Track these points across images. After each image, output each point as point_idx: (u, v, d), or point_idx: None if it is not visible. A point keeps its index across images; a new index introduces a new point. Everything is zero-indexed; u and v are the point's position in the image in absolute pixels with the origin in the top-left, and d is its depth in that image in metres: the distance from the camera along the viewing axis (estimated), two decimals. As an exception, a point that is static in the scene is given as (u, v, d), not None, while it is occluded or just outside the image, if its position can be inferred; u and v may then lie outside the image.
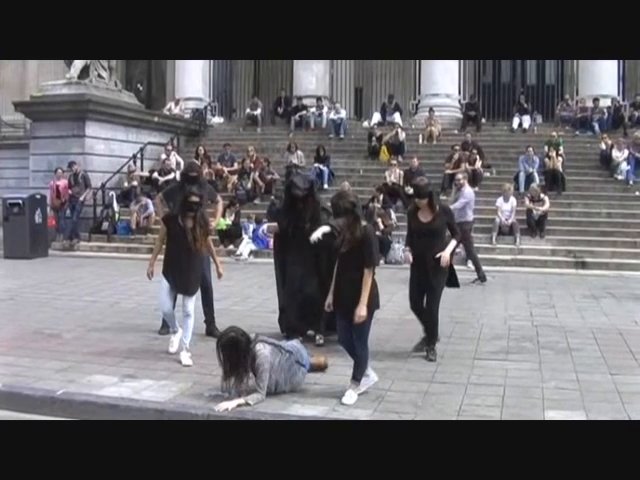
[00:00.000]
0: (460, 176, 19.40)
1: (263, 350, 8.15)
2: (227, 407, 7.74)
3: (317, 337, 10.34)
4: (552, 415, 7.57)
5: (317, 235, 9.90)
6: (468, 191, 18.35)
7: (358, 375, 8.24)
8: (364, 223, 8.23)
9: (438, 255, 9.84)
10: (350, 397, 8.05)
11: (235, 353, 7.96)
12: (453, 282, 10.44)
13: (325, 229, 9.90)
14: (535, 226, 21.86)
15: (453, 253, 10.32)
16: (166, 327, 10.90)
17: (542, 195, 22.34)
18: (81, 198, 24.31)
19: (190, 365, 9.54)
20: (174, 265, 9.93)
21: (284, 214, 10.50)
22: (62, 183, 24.33)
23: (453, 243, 10.15)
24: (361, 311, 7.88)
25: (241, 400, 7.85)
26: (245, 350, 7.99)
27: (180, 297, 10.12)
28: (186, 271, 9.95)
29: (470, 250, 18.13)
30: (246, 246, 22.09)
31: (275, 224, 10.23)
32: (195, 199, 9.73)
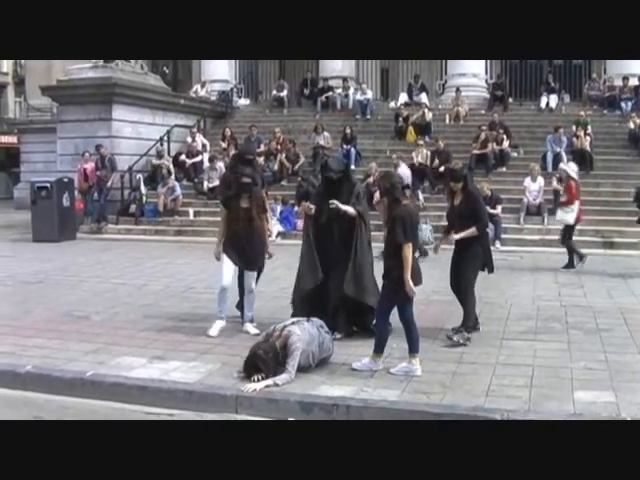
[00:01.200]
0: (394, 156, 19.69)
1: (294, 329, 8.22)
2: (255, 388, 7.77)
3: (335, 333, 9.99)
4: (581, 395, 7.55)
5: (340, 205, 9.73)
6: (402, 171, 19.14)
7: (414, 347, 8.60)
8: (405, 202, 8.63)
9: (454, 236, 10.03)
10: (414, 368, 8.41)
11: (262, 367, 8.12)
12: (489, 267, 10.35)
13: (350, 209, 9.83)
14: (562, 206, 21.72)
15: (486, 242, 10.29)
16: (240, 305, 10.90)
17: (570, 175, 22.13)
18: (108, 184, 24.35)
19: (258, 333, 9.71)
20: (235, 243, 10.18)
21: (319, 196, 10.31)
22: (89, 166, 24.37)
23: (471, 230, 9.96)
24: (407, 286, 8.32)
25: (269, 381, 7.88)
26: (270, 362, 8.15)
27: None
28: (247, 247, 10.18)
29: None
30: (274, 227, 22.08)
31: (308, 204, 10.01)
32: (246, 180, 9.88)
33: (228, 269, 10.26)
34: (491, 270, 10.38)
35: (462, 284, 10.05)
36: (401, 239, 8.25)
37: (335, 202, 9.70)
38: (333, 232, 9.94)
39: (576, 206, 16.62)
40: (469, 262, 10.03)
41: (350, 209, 9.78)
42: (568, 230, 16.81)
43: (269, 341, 8.29)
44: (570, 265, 16.34)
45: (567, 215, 16.66)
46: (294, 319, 8.75)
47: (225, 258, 10.24)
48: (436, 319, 10.73)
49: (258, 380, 7.91)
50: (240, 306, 10.70)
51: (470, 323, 9.92)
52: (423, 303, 11.88)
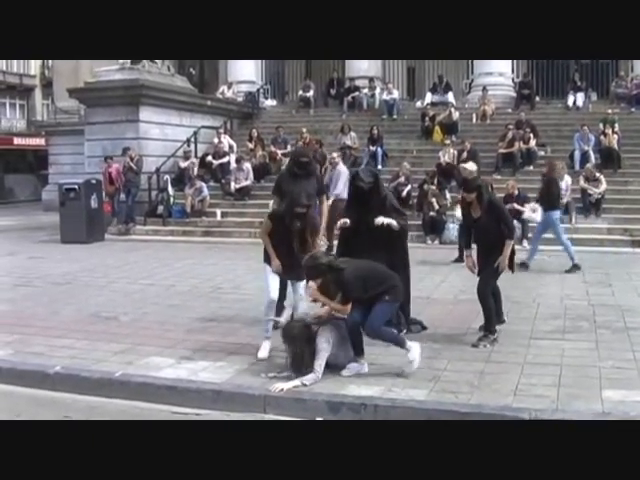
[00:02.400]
0: (335, 154, 20.60)
1: (324, 330, 8.27)
2: (282, 388, 7.80)
3: None
4: (609, 395, 7.52)
5: (383, 220, 9.66)
6: (340, 169, 19.34)
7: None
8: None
9: (497, 264, 9.71)
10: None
11: (298, 343, 8.21)
12: (511, 268, 10.17)
13: (393, 223, 9.75)
14: (590, 206, 21.62)
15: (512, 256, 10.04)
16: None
17: (598, 174, 22.02)
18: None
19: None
20: (281, 254, 9.36)
21: (349, 207, 10.22)
22: (114, 169, 24.40)
23: (509, 244, 9.68)
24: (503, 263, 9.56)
25: (297, 382, 7.92)
26: (307, 338, 8.23)
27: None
28: (295, 258, 9.25)
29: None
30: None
31: (344, 220, 9.91)
32: (301, 210, 9.09)
33: (274, 281, 9.44)
34: (512, 270, 10.26)
35: (481, 282, 9.91)
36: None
37: (382, 219, 9.69)
38: (366, 240, 9.69)
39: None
40: (492, 266, 9.78)
41: (394, 222, 9.77)
42: None
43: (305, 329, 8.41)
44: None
45: (533, 214, 17.82)
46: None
47: (268, 269, 9.45)
48: (463, 319, 10.72)
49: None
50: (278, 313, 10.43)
51: (492, 327, 9.77)
52: (451, 303, 11.92)
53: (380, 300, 8.34)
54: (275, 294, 9.42)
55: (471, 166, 16.24)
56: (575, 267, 15.77)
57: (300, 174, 10.30)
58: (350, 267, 8.40)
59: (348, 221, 9.89)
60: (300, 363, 8.21)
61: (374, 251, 9.28)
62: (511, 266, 10.15)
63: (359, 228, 9.85)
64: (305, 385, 7.88)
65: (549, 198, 16.47)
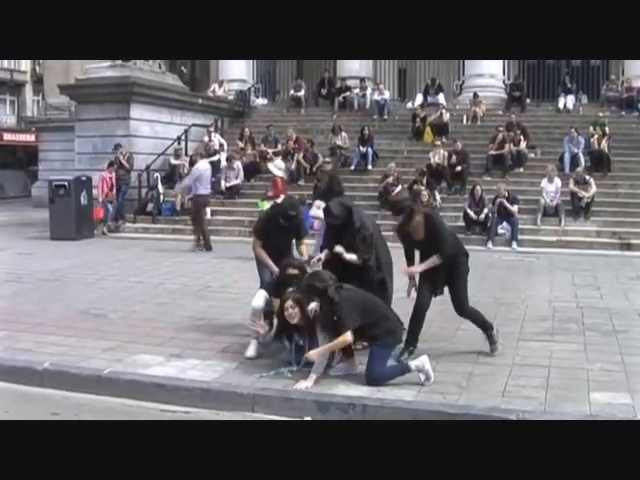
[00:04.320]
0: (193, 153, 21.43)
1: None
2: (307, 385, 7.89)
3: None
4: (597, 397, 7.55)
5: (345, 254, 9.27)
6: (198, 167, 20.05)
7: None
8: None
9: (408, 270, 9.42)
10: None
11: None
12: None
13: (353, 258, 9.27)
14: (580, 209, 21.67)
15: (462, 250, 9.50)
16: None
17: (587, 177, 22.07)
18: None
19: None
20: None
21: (326, 238, 9.99)
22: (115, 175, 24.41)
23: (434, 261, 9.09)
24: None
25: (314, 376, 7.99)
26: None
27: None
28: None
29: (200, 224, 20.11)
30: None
31: (316, 258, 9.76)
32: (293, 271, 9.08)
33: (261, 294, 9.42)
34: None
35: (458, 311, 9.42)
36: (344, 326, 8.04)
37: (339, 249, 9.36)
38: (340, 273, 9.10)
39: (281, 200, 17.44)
40: (460, 278, 9.36)
41: (354, 257, 9.29)
42: None
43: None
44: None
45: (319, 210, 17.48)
46: None
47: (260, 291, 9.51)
48: (453, 319, 10.69)
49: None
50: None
51: (488, 324, 9.52)
52: (439, 304, 11.88)
53: (372, 344, 8.23)
54: (257, 303, 9.30)
55: (278, 164, 16.78)
56: None
57: (284, 226, 10.15)
58: (348, 296, 8.24)
59: (323, 257, 9.65)
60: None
61: (345, 281, 8.80)
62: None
63: (332, 258, 9.50)
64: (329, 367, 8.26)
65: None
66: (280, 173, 18.33)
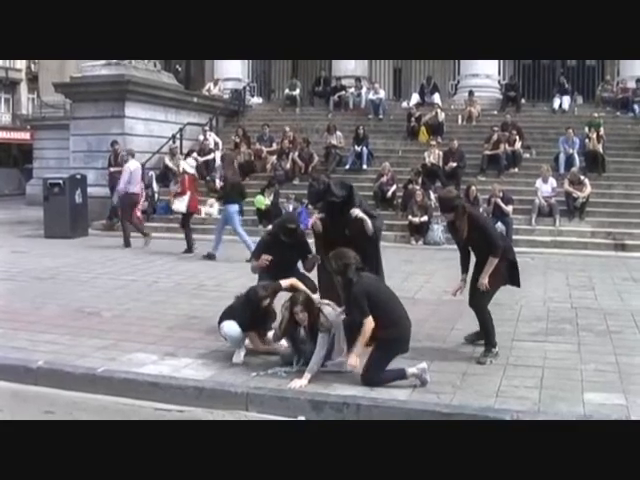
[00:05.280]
0: (124, 153, 22.14)
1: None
2: (301, 384, 7.89)
3: None
4: (591, 397, 7.56)
5: (359, 213, 9.41)
6: (128, 166, 20.55)
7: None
8: (360, 275, 8.29)
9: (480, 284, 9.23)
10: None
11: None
12: (516, 283, 9.84)
13: (368, 221, 9.40)
14: (575, 209, 21.68)
15: (511, 255, 9.66)
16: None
17: (582, 178, 22.08)
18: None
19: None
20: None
21: (324, 219, 9.97)
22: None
23: (491, 262, 9.13)
24: (351, 358, 8.09)
25: (309, 375, 8.00)
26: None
27: None
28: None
29: (125, 222, 20.71)
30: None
31: (316, 222, 9.70)
32: (266, 303, 9.02)
33: (232, 324, 9.10)
34: (517, 285, 9.89)
35: (477, 303, 9.42)
36: (359, 318, 8.02)
37: (356, 211, 9.43)
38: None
39: (187, 196, 19.17)
40: (490, 280, 9.29)
41: (368, 220, 9.42)
42: (185, 218, 19.37)
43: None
44: (188, 250, 18.70)
45: (180, 204, 19.28)
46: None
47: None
48: (447, 319, 10.75)
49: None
50: None
51: (494, 340, 9.30)
52: (435, 303, 11.93)
53: (375, 346, 8.16)
54: (235, 332, 8.99)
55: (189, 162, 20.80)
56: (210, 256, 17.49)
57: (286, 242, 10.10)
58: (365, 282, 8.24)
59: (319, 224, 9.66)
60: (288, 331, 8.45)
61: None
62: (517, 282, 9.85)
63: (334, 239, 9.36)
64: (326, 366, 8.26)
65: (224, 193, 18.48)
66: (192, 170, 19.17)
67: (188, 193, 19.28)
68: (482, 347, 9.29)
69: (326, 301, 8.70)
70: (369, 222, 9.44)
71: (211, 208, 18.75)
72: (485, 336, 9.40)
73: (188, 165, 19.64)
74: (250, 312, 8.84)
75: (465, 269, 9.60)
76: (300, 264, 10.32)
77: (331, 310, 8.36)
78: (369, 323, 7.94)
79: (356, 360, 7.98)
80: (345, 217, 9.52)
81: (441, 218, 18.86)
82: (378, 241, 9.86)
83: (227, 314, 9.19)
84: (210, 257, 17.42)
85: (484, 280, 9.13)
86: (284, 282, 9.40)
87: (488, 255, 9.12)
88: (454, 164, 23.83)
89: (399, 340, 8.21)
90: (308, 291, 9.15)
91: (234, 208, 18.06)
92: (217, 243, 17.81)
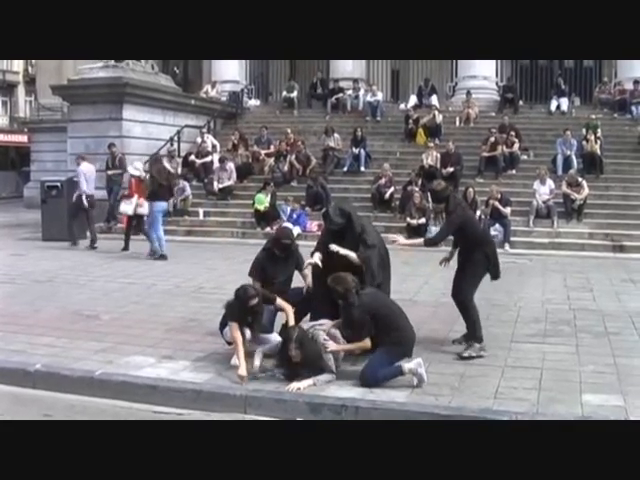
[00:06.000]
0: (75, 156, 22.64)
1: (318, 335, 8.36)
2: (299, 387, 7.88)
3: None
4: (589, 399, 7.56)
5: (340, 249, 9.19)
6: (80, 169, 21.09)
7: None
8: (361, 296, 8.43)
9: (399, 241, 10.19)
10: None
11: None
12: (493, 274, 9.85)
13: (352, 255, 9.21)
14: (572, 211, 21.69)
15: (491, 249, 9.78)
16: None
17: (580, 179, 22.09)
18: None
19: None
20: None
21: (324, 244, 9.87)
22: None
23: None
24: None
25: (310, 381, 8.00)
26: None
27: None
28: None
29: (72, 222, 21.39)
30: (294, 228, 21.77)
31: (315, 259, 9.65)
32: (253, 302, 8.79)
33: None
34: (495, 277, 9.92)
35: (460, 295, 9.64)
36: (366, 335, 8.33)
37: (333, 247, 9.25)
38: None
39: (134, 199, 19.67)
40: (470, 271, 9.60)
41: (351, 254, 9.20)
42: (130, 220, 19.93)
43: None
44: (125, 248, 19.51)
45: (127, 207, 19.78)
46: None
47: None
48: (445, 321, 10.73)
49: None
50: None
51: (478, 333, 9.49)
52: (433, 305, 11.93)
53: (378, 349, 8.28)
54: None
55: (136, 165, 20.39)
56: (162, 257, 18.04)
57: (281, 257, 10.07)
58: (366, 301, 8.36)
59: (316, 260, 9.58)
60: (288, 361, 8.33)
61: None
62: (495, 273, 9.87)
63: (335, 264, 9.21)
64: (315, 385, 7.97)
65: (153, 191, 18.84)
66: (137, 173, 19.60)
67: (135, 196, 19.76)
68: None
69: (320, 324, 8.78)
70: (352, 255, 9.20)
71: (141, 208, 19.04)
72: (470, 329, 9.50)
73: (134, 168, 20.09)
74: (237, 308, 8.78)
75: (455, 247, 10.04)
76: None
77: (324, 336, 8.43)
78: (365, 343, 8.29)
79: (336, 347, 8.34)
80: (345, 242, 9.37)
81: (439, 220, 18.91)
82: (370, 265, 9.63)
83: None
84: (163, 258, 18.01)
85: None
86: (279, 301, 9.36)
87: (468, 250, 9.61)
88: (451, 169, 23.80)
89: (401, 344, 8.27)
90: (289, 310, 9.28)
91: (159, 207, 18.85)
92: (160, 242, 18.44)
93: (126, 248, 19.59)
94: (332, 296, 8.51)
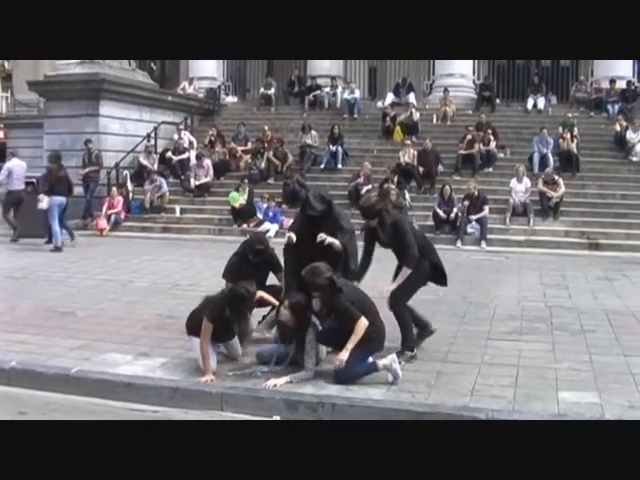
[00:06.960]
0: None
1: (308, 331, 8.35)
2: (276, 383, 7.86)
3: None
4: (565, 396, 7.58)
5: (328, 238, 9.17)
6: (8, 165, 21.93)
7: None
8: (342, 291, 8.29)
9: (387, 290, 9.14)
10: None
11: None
12: (442, 282, 9.61)
13: (336, 242, 9.23)
14: (549, 209, 21.78)
15: (433, 257, 9.44)
16: None
17: (556, 177, 22.19)
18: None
19: None
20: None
21: (300, 229, 9.66)
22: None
23: (404, 272, 9.08)
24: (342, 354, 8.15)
25: (288, 378, 7.97)
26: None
27: None
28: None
29: (9, 218, 21.81)
30: (271, 226, 21.78)
31: (291, 234, 9.62)
32: (251, 303, 8.79)
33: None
34: (444, 284, 9.64)
35: (395, 304, 9.15)
36: (351, 323, 8.11)
37: (323, 236, 9.18)
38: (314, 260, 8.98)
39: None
40: (410, 279, 9.12)
41: (336, 241, 9.26)
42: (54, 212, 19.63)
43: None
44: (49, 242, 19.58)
45: (43, 202, 19.55)
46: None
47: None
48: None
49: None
50: None
51: (410, 343, 9.15)
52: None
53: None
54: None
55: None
56: (57, 249, 18.64)
57: (254, 261, 10.06)
58: (346, 291, 8.32)
59: (294, 237, 9.57)
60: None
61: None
62: (444, 281, 9.63)
63: (307, 248, 9.29)
64: (292, 382, 7.93)
65: (49, 186, 19.61)
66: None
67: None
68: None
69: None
70: (337, 243, 9.24)
71: (41, 203, 19.27)
72: (402, 336, 9.16)
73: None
74: (222, 302, 8.66)
75: (364, 269, 9.48)
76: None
77: (312, 336, 8.36)
78: (363, 322, 8.05)
79: (346, 355, 8.01)
80: (323, 229, 9.34)
81: (414, 218, 18.92)
82: (349, 250, 9.63)
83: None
84: (57, 250, 18.64)
85: (391, 288, 9.10)
86: (265, 295, 9.45)
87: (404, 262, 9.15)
88: (435, 168, 23.96)
89: (375, 340, 8.27)
90: (275, 302, 9.42)
91: (57, 201, 19.46)
92: (57, 235, 19.10)
93: (49, 241, 19.95)
94: (308, 289, 8.46)
